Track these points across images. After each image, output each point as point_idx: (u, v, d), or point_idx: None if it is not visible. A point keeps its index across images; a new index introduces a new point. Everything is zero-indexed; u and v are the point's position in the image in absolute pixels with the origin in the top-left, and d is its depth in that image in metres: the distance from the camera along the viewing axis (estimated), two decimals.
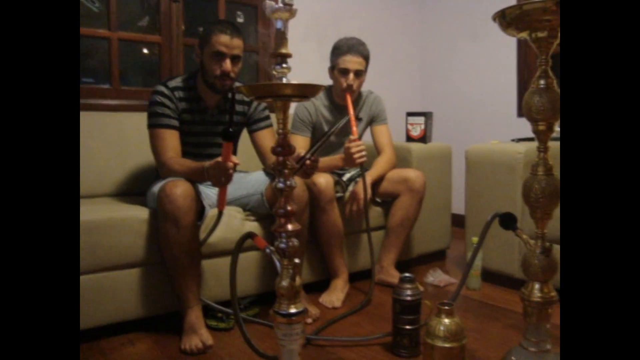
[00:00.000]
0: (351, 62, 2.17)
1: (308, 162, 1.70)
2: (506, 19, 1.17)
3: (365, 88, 2.40)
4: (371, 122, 2.42)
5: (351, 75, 2.18)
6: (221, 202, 1.70)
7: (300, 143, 2.21)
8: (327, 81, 2.31)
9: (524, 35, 1.20)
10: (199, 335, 1.61)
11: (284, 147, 1.06)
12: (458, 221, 3.09)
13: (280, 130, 1.07)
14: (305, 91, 1.02)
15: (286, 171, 1.07)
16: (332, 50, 2.25)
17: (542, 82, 1.20)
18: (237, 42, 1.82)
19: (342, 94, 2.22)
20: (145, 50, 2.79)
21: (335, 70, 2.22)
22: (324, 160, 2.15)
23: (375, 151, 2.40)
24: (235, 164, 1.60)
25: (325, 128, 2.29)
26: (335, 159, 2.18)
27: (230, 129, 1.55)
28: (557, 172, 1.23)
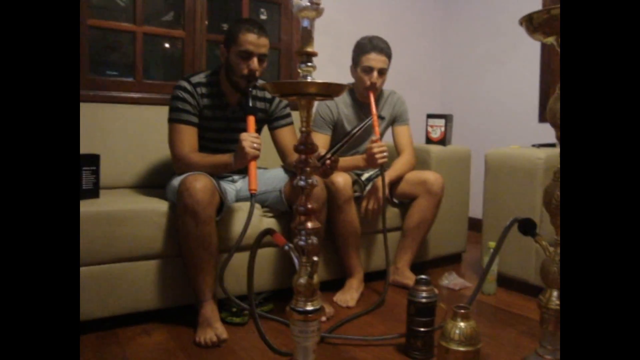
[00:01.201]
0: (375, 60, 2.17)
1: (328, 162, 1.71)
2: (533, 24, 1.16)
3: (387, 87, 2.40)
4: (393, 122, 2.42)
5: (375, 74, 2.18)
6: (253, 182, 1.69)
7: (321, 141, 2.21)
8: (344, 80, 2.32)
9: (550, 40, 1.20)
10: (214, 329, 1.63)
11: (306, 145, 1.06)
12: (475, 225, 3.07)
13: (304, 129, 1.07)
14: (330, 90, 1.03)
15: (308, 169, 1.07)
16: (355, 48, 2.26)
17: None
18: (264, 41, 1.84)
19: (365, 92, 2.22)
20: (166, 45, 2.82)
21: (359, 68, 2.22)
22: (345, 160, 2.15)
23: (394, 151, 2.40)
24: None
25: (347, 126, 2.29)
26: (356, 159, 2.18)
27: (250, 104, 1.80)
28: None
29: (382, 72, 2.21)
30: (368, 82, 2.18)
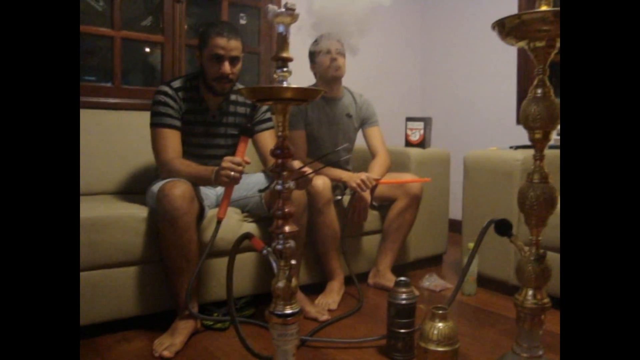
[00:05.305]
0: (331, 44, 2.21)
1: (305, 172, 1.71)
2: (505, 29, 1.18)
3: (356, 90, 2.49)
4: (362, 124, 2.46)
5: (336, 55, 2.23)
6: (223, 209, 1.71)
7: (299, 138, 2.26)
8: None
9: (522, 44, 1.22)
10: (173, 345, 1.60)
11: (283, 149, 1.07)
12: (455, 226, 3.10)
13: (280, 133, 1.08)
14: (305, 95, 1.04)
15: (285, 173, 1.08)
16: (311, 45, 2.30)
17: (539, 91, 1.21)
18: (235, 44, 1.84)
19: (330, 81, 2.27)
20: (147, 49, 2.81)
21: (318, 57, 2.26)
22: (329, 169, 2.22)
23: (368, 154, 2.45)
24: (247, 162, 1.66)
25: (313, 120, 2.32)
26: (341, 174, 2.23)
27: (249, 125, 1.70)
28: (552, 180, 1.24)
29: (340, 53, 2.27)
30: (330, 64, 2.24)
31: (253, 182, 1.99)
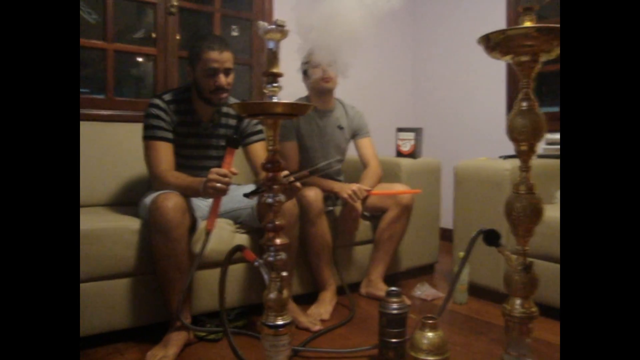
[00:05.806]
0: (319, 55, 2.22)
1: (295, 183, 1.72)
2: (490, 44, 1.21)
3: (348, 103, 2.50)
4: (354, 135, 2.48)
5: (327, 67, 2.24)
6: (211, 220, 1.72)
7: (291, 149, 2.29)
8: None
9: (507, 58, 1.25)
10: (166, 357, 1.60)
11: (273, 163, 1.09)
12: (447, 236, 3.12)
13: (270, 147, 1.10)
14: (295, 110, 1.06)
15: (275, 186, 1.10)
16: (304, 58, 2.30)
17: (524, 104, 1.24)
18: (227, 55, 1.86)
19: (321, 93, 2.30)
20: (139, 59, 2.83)
21: (310, 69, 2.27)
22: (320, 180, 2.25)
23: (360, 164, 2.47)
24: (234, 173, 1.66)
25: (303, 132, 2.34)
26: (333, 184, 2.25)
27: (235, 136, 1.68)
28: (537, 190, 1.27)
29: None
30: (322, 75, 2.26)
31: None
